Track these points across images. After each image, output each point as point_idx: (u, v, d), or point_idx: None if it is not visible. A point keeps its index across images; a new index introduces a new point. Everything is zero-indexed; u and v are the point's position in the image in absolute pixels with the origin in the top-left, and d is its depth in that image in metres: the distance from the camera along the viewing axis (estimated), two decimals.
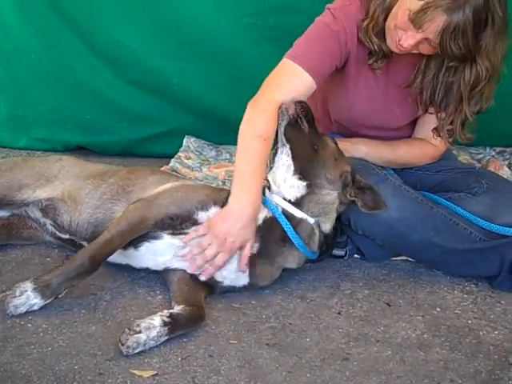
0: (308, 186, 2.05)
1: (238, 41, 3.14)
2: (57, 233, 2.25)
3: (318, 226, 2.08)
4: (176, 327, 1.83)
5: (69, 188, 2.24)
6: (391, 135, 2.43)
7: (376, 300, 2.11)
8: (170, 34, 3.17)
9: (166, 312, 1.84)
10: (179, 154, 3.21)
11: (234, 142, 3.32)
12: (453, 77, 2.15)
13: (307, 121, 2.10)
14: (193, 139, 3.33)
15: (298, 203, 2.05)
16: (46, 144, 3.44)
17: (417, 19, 1.95)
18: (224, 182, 2.92)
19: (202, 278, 2.01)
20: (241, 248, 1.99)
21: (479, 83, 2.11)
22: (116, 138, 3.39)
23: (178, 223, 2.01)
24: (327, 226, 2.10)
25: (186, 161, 3.14)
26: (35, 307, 1.89)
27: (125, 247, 2.03)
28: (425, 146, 2.42)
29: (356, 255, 2.39)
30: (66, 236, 2.22)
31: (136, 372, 1.69)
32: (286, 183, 2.07)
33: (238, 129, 3.28)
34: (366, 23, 2.16)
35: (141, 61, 3.22)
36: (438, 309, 2.07)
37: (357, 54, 2.23)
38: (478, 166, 3.04)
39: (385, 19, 2.12)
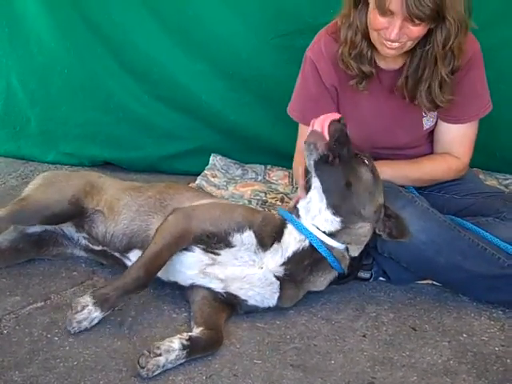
0: (342, 221, 2.02)
1: (267, 61, 3.17)
2: (90, 245, 2.28)
3: (347, 250, 2.08)
4: (194, 351, 1.82)
5: (110, 198, 2.28)
6: (411, 154, 2.44)
7: (401, 324, 2.09)
8: (200, 52, 3.21)
9: (185, 335, 1.84)
10: (205, 171, 3.22)
11: (260, 161, 3.37)
12: (428, 45, 2.16)
13: (340, 155, 1.98)
14: (219, 157, 3.34)
15: (331, 234, 2.04)
16: (73, 159, 3.48)
17: (381, 7, 2.03)
18: (250, 201, 2.93)
19: None
20: None
21: (450, 38, 2.11)
22: (143, 155, 3.42)
23: (214, 242, 2.03)
24: (356, 252, 2.11)
25: (212, 179, 3.15)
26: (95, 321, 1.92)
27: None
28: (448, 159, 2.42)
29: (381, 278, 2.37)
30: (99, 248, 2.26)
31: None
32: (321, 215, 2.04)
33: (265, 148, 3.32)
34: (341, 49, 2.25)
35: (171, 77, 3.26)
36: (465, 335, 2.05)
37: (339, 83, 2.34)
38: (507, 191, 3.01)
39: (362, 37, 2.19)
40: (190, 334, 1.86)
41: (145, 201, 2.25)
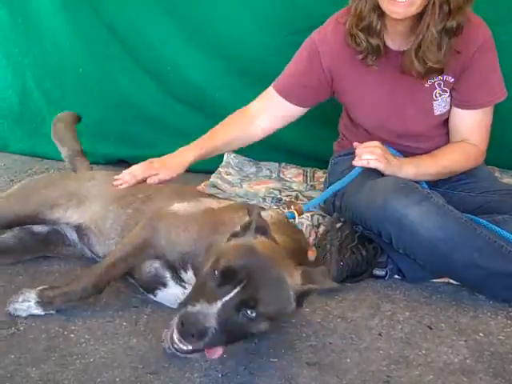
0: None
1: (280, 58, 3.13)
2: (96, 258, 2.24)
3: None
4: None
5: (96, 217, 2.20)
6: (427, 147, 2.45)
7: (417, 322, 2.08)
8: (214, 50, 3.22)
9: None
10: (219, 169, 3.22)
11: (274, 159, 3.37)
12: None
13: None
14: (233, 155, 3.34)
15: None
16: (88, 157, 3.48)
17: None
18: (264, 199, 2.92)
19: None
20: None
21: None
22: (157, 152, 3.39)
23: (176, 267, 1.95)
24: None
25: (226, 176, 3.15)
26: (34, 314, 1.94)
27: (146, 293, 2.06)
28: (466, 147, 2.42)
29: (397, 276, 2.35)
30: None
31: None
32: None
33: (279, 145, 3.29)
34: (349, 21, 2.27)
35: (185, 75, 3.28)
36: (481, 334, 2.03)
37: (346, 66, 2.36)
38: None
39: (371, 9, 2.19)
40: None
41: (130, 218, 2.15)
